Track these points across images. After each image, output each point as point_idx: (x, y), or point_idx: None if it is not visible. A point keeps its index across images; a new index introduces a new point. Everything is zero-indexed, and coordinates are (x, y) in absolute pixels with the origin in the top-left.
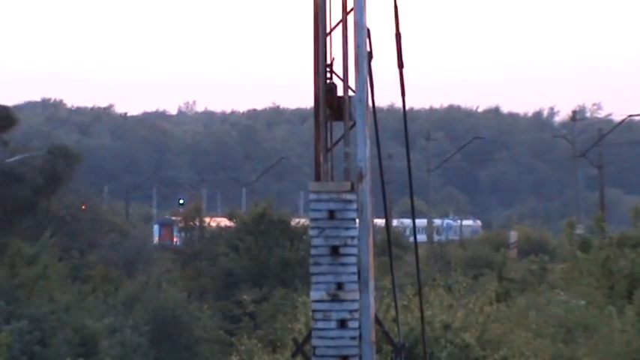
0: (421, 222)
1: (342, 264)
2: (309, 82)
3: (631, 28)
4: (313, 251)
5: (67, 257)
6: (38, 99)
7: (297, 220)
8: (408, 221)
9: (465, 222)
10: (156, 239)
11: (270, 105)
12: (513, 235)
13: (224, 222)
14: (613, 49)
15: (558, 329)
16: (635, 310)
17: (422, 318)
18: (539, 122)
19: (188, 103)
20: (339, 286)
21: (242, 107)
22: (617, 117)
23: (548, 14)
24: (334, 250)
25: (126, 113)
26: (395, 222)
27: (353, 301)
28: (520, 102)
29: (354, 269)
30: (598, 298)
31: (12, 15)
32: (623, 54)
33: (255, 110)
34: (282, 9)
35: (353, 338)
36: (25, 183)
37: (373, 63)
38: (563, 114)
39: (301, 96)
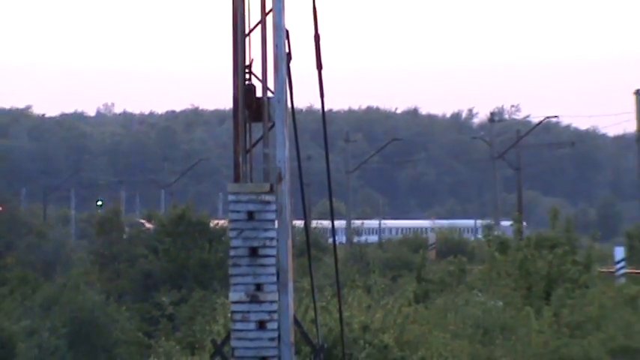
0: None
1: (261, 265)
2: (228, 83)
3: (548, 29)
4: (232, 252)
5: None
6: None
7: (216, 221)
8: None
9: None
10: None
11: (189, 106)
12: (432, 237)
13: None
14: (531, 50)
15: (476, 330)
16: (553, 311)
17: (340, 319)
18: (458, 124)
19: (107, 104)
20: (258, 287)
21: (161, 109)
22: (536, 118)
23: (466, 15)
24: (253, 252)
25: (44, 114)
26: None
27: (272, 302)
28: (438, 103)
29: (273, 270)
30: (516, 299)
31: None
32: (541, 55)
33: (173, 112)
34: (201, 9)
35: (272, 339)
36: None
37: (292, 64)
38: (481, 115)
39: (220, 97)
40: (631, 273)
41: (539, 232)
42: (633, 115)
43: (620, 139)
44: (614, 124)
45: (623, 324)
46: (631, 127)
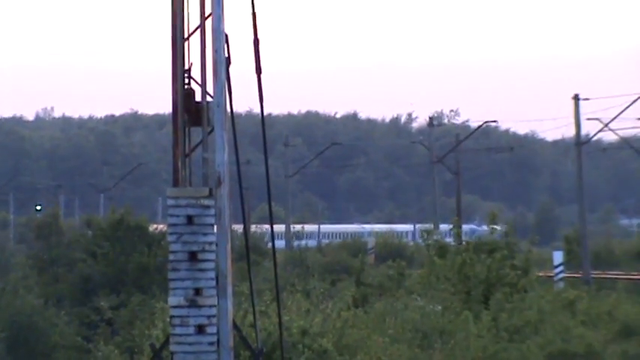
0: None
1: (201, 269)
2: (167, 87)
3: (488, 34)
4: (171, 257)
5: None
6: None
7: (155, 225)
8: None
9: (471, 226)
10: None
11: (129, 110)
12: (371, 241)
13: None
14: (470, 54)
15: (415, 334)
16: (491, 315)
17: (280, 323)
18: (397, 128)
19: (46, 108)
20: (197, 291)
21: (100, 113)
22: (475, 123)
23: (404, 19)
24: (192, 256)
25: None
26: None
27: (211, 306)
28: (378, 108)
29: (213, 275)
30: (454, 303)
31: None
32: (479, 60)
33: (113, 116)
34: (140, 13)
35: (211, 344)
36: None
37: (231, 68)
38: (420, 120)
39: (159, 101)
40: (569, 277)
41: (478, 237)
42: (571, 120)
43: (559, 144)
44: (553, 128)
45: (562, 328)
46: (569, 132)
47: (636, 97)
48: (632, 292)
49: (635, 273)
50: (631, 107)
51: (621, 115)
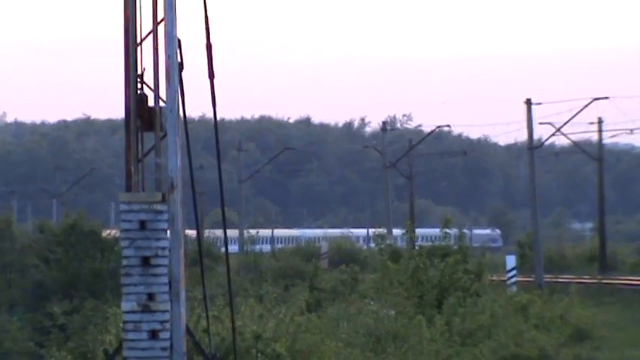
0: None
1: (153, 275)
2: (120, 92)
3: (439, 37)
4: (124, 262)
5: None
6: None
7: (109, 231)
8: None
9: (483, 231)
10: None
11: (81, 116)
12: (324, 246)
13: None
14: (422, 59)
15: (368, 339)
16: (444, 319)
17: (233, 328)
18: (350, 133)
19: None
20: (150, 296)
21: (52, 118)
22: (427, 128)
23: (355, 23)
24: (145, 261)
25: None
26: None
27: (164, 311)
28: (331, 113)
29: (165, 280)
30: (408, 307)
31: None
32: (432, 65)
33: (65, 121)
34: (93, 18)
35: (164, 349)
36: None
37: (184, 73)
38: (373, 125)
39: (112, 106)
40: (522, 281)
41: (431, 241)
42: (524, 125)
43: (512, 148)
44: (506, 133)
45: (514, 332)
46: (522, 137)
47: (588, 101)
48: (585, 295)
49: (587, 277)
50: (583, 111)
51: (573, 120)
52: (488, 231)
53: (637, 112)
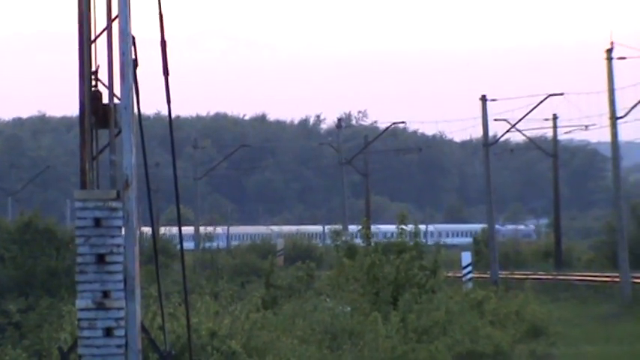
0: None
1: (108, 272)
2: (75, 89)
3: (394, 33)
4: (79, 259)
5: None
6: None
7: (64, 228)
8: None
9: (518, 227)
10: None
11: (36, 113)
12: (280, 243)
13: None
14: (377, 56)
15: (324, 335)
16: (400, 316)
17: (188, 326)
18: (306, 130)
19: None
20: (105, 294)
21: (7, 116)
22: (383, 124)
23: (309, 20)
24: (100, 258)
25: None
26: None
27: (119, 309)
28: (286, 110)
29: (121, 277)
30: (363, 304)
31: None
32: (386, 62)
33: (20, 118)
34: (47, 14)
35: (119, 346)
36: None
37: (139, 70)
38: (329, 121)
39: (67, 104)
40: (478, 278)
41: (387, 237)
42: (479, 121)
43: (467, 145)
44: (461, 129)
45: (470, 328)
46: (477, 133)
47: (543, 97)
48: (540, 292)
49: (542, 273)
50: (538, 108)
51: (528, 116)
52: (522, 227)
53: (592, 109)
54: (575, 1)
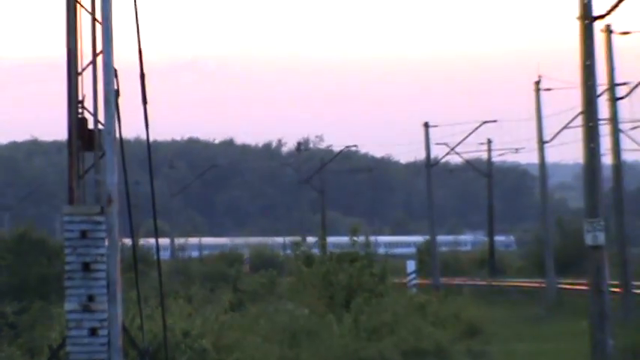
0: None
1: (93, 278)
2: (63, 116)
3: (349, 69)
4: (67, 267)
5: None
6: None
7: (54, 239)
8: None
9: (499, 238)
10: None
11: (29, 137)
12: (246, 253)
13: None
14: (330, 86)
15: (284, 335)
16: (352, 317)
17: (164, 326)
18: (269, 152)
19: None
20: (91, 298)
21: (3, 140)
22: (337, 148)
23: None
24: (86, 266)
25: None
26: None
27: (103, 311)
28: (252, 134)
29: (104, 283)
30: (320, 307)
31: None
32: (340, 90)
33: (15, 142)
34: (37, 48)
35: (103, 344)
36: None
37: (120, 100)
38: (290, 145)
39: (57, 129)
40: (421, 283)
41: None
42: (422, 145)
43: (411, 166)
44: (406, 152)
45: (414, 328)
46: (420, 155)
47: (478, 124)
48: (476, 296)
49: (478, 279)
50: (474, 133)
51: (466, 141)
52: (503, 238)
53: (521, 134)
54: (505, 41)
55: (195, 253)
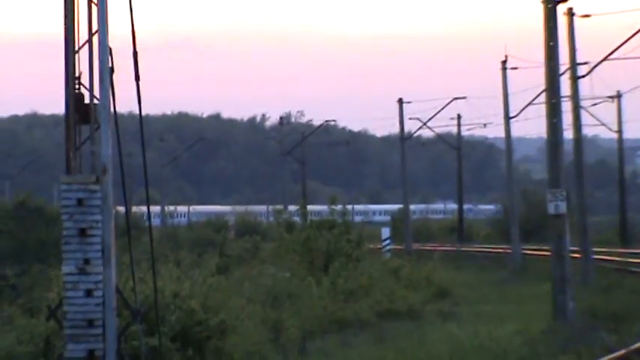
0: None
1: (89, 243)
2: (61, 91)
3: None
4: (64, 232)
5: None
6: None
7: (52, 207)
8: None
9: (488, 207)
10: None
11: (29, 111)
12: (231, 219)
13: None
14: (311, 63)
15: (267, 297)
16: (330, 280)
17: (155, 288)
18: (254, 126)
19: None
20: (86, 261)
21: (5, 113)
22: (317, 122)
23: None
24: (82, 232)
25: None
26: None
27: (97, 274)
28: (238, 109)
29: (99, 248)
30: (300, 271)
31: None
32: (320, 67)
33: (16, 115)
34: (37, 27)
35: (98, 305)
36: None
37: (115, 76)
38: (273, 119)
39: (55, 103)
40: (395, 249)
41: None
42: (397, 120)
43: (387, 139)
44: (382, 126)
45: (388, 291)
46: (395, 130)
47: (449, 100)
48: (445, 261)
49: (448, 245)
50: (445, 109)
51: (437, 116)
52: (492, 207)
53: (489, 110)
54: (476, 22)
55: (184, 220)
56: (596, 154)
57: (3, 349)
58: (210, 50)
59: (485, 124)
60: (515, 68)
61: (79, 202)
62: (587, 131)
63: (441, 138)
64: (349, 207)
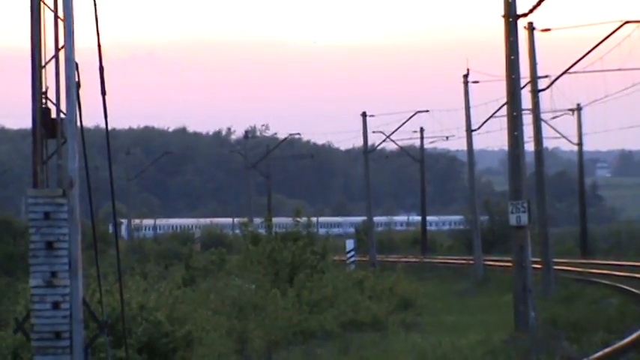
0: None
1: (56, 256)
2: (28, 106)
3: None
4: (31, 246)
5: None
6: None
7: (20, 220)
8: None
9: (458, 217)
10: None
11: None
12: (197, 232)
13: None
14: (275, 77)
15: (233, 308)
16: (295, 292)
17: (121, 300)
18: (219, 140)
19: None
20: (53, 274)
21: None
22: (282, 135)
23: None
24: (49, 245)
25: None
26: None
27: (65, 286)
28: (203, 123)
29: (66, 260)
30: (265, 282)
31: None
32: (285, 82)
33: None
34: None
35: (65, 317)
36: None
37: (81, 91)
38: (238, 133)
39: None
40: (359, 261)
41: (286, 228)
42: (360, 133)
43: (351, 152)
44: (345, 139)
45: (352, 302)
46: (359, 143)
47: (412, 113)
48: (409, 272)
49: (412, 256)
50: (408, 122)
51: (400, 129)
52: (462, 217)
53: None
54: (438, 35)
55: (150, 233)
56: (557, 165)
57: None
58: (174, 64)
59: (447, 137)
60: (477, 82)
61: (46, 215)
62: (548, 144)
63: (405, 151)
64: (314, 219)
